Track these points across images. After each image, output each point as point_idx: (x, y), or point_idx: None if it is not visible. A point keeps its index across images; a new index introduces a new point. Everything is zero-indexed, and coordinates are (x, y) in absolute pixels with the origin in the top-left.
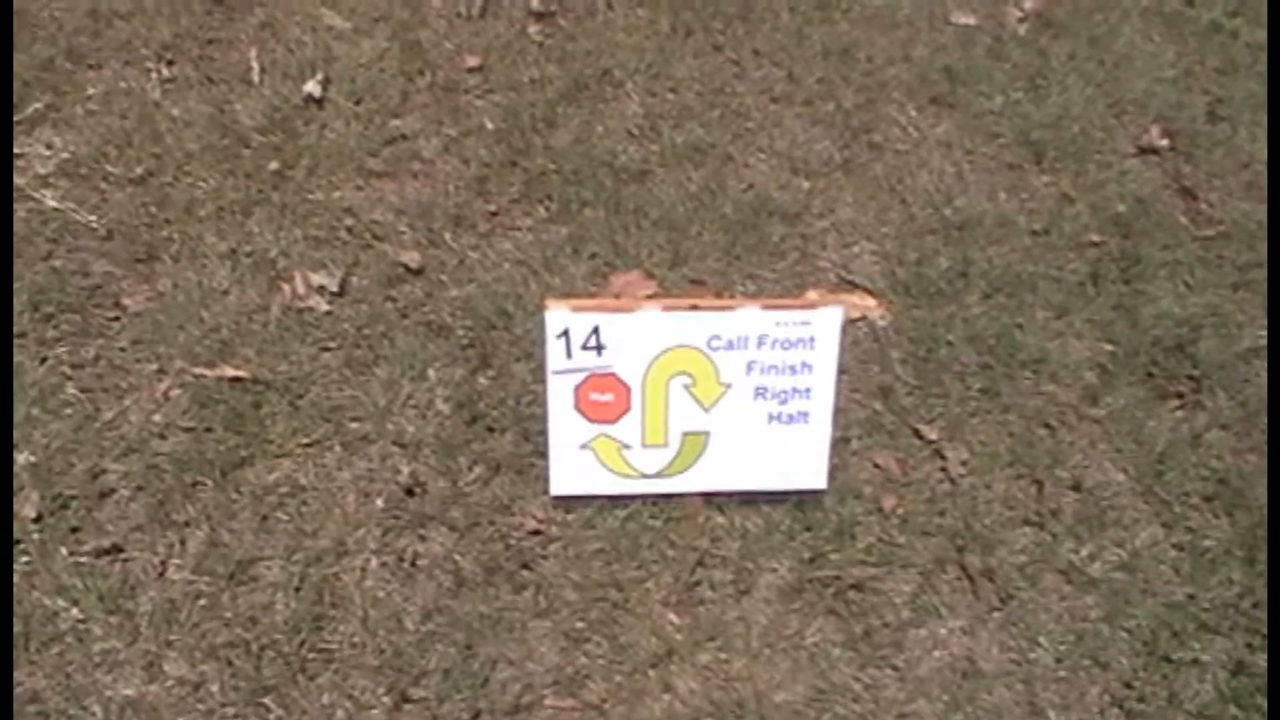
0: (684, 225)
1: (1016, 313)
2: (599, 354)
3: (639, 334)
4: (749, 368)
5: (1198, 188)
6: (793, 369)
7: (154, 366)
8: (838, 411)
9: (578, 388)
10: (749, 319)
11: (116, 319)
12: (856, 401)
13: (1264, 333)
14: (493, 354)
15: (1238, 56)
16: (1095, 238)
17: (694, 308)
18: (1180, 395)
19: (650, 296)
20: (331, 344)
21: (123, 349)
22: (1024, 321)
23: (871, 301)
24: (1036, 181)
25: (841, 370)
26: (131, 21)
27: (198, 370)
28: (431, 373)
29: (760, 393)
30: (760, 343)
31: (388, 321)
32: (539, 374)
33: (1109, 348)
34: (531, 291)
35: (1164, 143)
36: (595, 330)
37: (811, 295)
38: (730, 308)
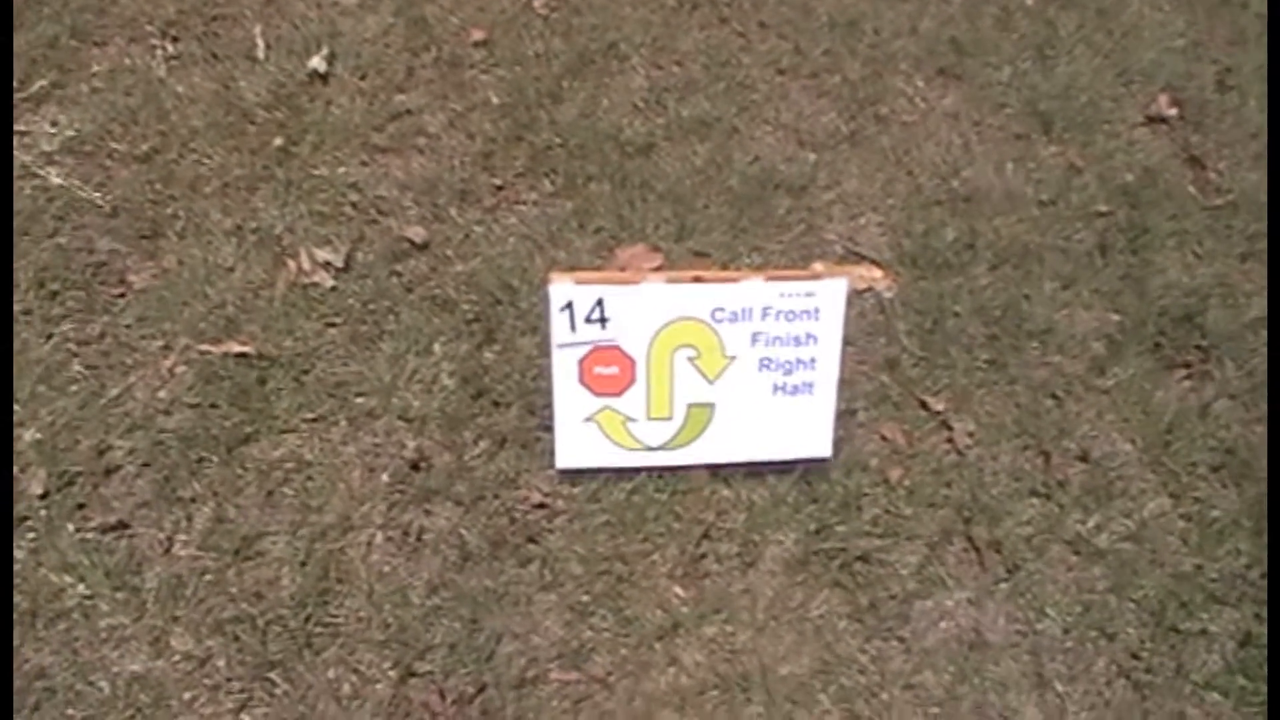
0: (689, 198)
1: (1023, 284)
2: (603, 327)
3: (643, 306)
4: (753, 339)
5: (1206, 157)
6: (797, 340)
7: (159, 343)
8: (844, 383)
9: (582, 360)
10: (753, 291)
11: (122, 296)
12: (863, 373)
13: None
14: (498, 328)
15: (1247, 26)
16: (1103, 208)
17: (698, 280)
18: (1188, 365)
19: (655, 269)
20: (337, 319)
21: (128, 326)
22: (1031, 292)
23: (878, 273)
24: (1044, 152)
25: (848, 342)
26: None
27: (203, 347)
28: (437, 347)
29: (765, 364)
30: (764, 314)
31: (393, 297)
32: (544, 348)
33: (1116, 318)
34: (536, 266)
35: (1172, 112)
36: (599, 303)
37: (817, 267)
38: (734, 280)
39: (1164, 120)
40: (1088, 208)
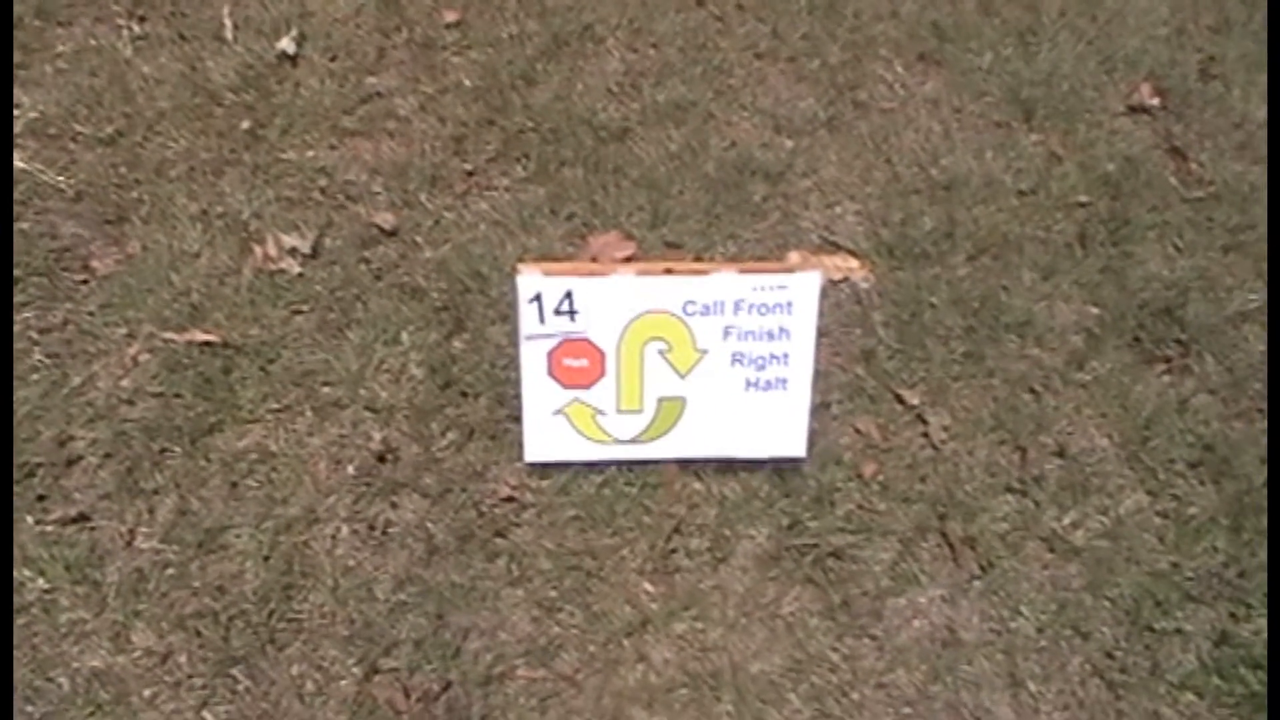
0: (664, 185)
1: (1002, 275)
2: (572, 319)
3: (613, 299)
4: (725, 333)
5: (1188, 148)
6: (770, 335)
7: (123, 331)
8: (818, 375)
9: (551, 353)
10: (725, 283)
11: (85, 282)
12: (838, 365)
13: (1254, 296)
14: (467, 317)
15: (1232, 14)
16: (1083, 198)
17: (668, 272)
18: (1168, 360)
19: (628, 258)
20: (303, 307)
21: (91, 313)
22: (1009, 284)
23: (854, 263)
24: (1025, 140)
25: (823, 333)
26: None
27: (167, 335)
28: (405, 336)
29: (737, 359)
30: (737, 308)
31: (361, 284)
32: (514, 337)
33: (1096, 311)
34: (508, 253)
35: (1155, 101)
36: (568, 295)
37: (793, 256)
38: (705, 272)
39: (1146, 110)
40: (1068, 198)
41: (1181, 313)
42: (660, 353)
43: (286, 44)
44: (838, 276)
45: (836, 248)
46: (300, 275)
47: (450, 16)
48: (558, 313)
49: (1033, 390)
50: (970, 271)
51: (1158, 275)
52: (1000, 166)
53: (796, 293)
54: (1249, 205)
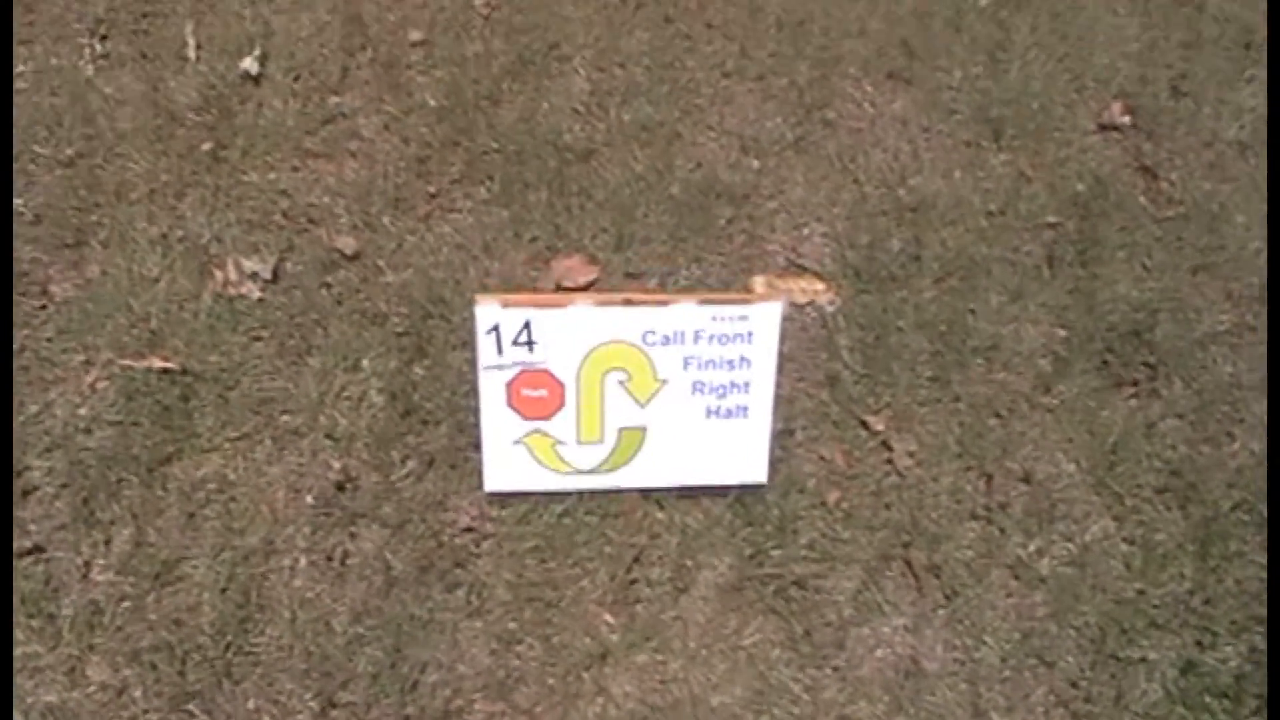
0: (629, 207)
1: (969, 297)
2: (530, 349)
3: (571, 329)
4: (686, 363)
5: (1159, 167)
6: (731, 364)
7: (81, 357)
8: (782, 401)
9: (510, 383)
10: (685, 314)
11: (43, 308)
12: (802, 391)
13: (1223, 318)
14: (428, 343)
15: (1204, 30)
16: (1052, 219)
17: (628, 302)
18: (1135, 383)
19: (590, 283)
20: (263, 333)
21: (49, 339)
22: (977, 306)
23: (820, 285)
24: (994, 160)
25: (787, 358)
26: None
27: (125, 361)
28: (365, 363)
29: (698, 388)
30: (697, 337)
31: (321, 310)
32: (475, 365)
33: (1063, 334)
34: (470, 278)
35: (1125, 120)
36: (526, 325)
37: (757, 280)
38: (665, 302)
39: (1117, 128)
40: (1037, 218)
41: (1150, 335)
42: (620, 383)
43: (249, 64)
44: (803, 300)
45: (802, 270)
46: (260, 300)
47: (415, 35)
48: (516, 343)
49: (999, 415)
50: (937, 294)
51: (1126, 297)
52: (969, 187)
53: (757, 323)
54: (1219, 225)
